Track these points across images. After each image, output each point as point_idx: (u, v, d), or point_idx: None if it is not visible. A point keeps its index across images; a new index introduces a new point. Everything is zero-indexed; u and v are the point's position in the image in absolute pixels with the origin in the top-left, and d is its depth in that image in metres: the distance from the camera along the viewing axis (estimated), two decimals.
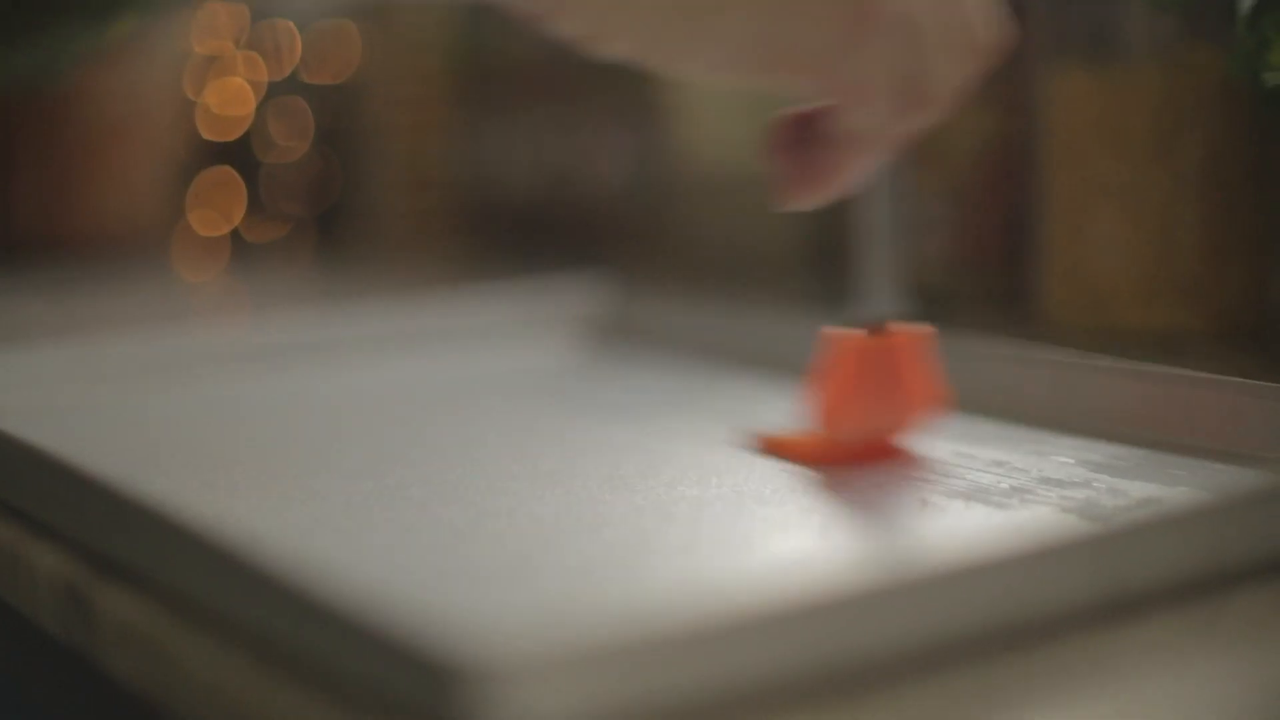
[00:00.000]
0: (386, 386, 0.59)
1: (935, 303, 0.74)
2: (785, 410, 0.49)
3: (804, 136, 0.43)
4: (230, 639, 0.33)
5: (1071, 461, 0.45)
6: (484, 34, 1.09)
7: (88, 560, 0.39)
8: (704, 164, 0.96)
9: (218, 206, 1.22)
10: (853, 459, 0.45)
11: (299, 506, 0.43)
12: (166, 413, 0.55)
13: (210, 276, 1.12)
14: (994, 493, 0.42)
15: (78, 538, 0.40)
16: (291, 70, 1.20)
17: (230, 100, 1.21)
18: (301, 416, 0.55)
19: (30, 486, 0.43)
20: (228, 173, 1.22)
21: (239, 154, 1.21)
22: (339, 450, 0.50)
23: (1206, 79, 0.63)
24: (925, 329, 0.47)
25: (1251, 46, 0.58)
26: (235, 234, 1.22)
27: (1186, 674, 0.31)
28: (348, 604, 0.30)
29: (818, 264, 0.92)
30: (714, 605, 0.29)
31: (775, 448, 0.47)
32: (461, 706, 0.27)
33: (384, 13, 1.16)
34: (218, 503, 0.43)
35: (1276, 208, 0.64)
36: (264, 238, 1.22)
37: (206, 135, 1.20)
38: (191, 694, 0.33)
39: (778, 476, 0.44)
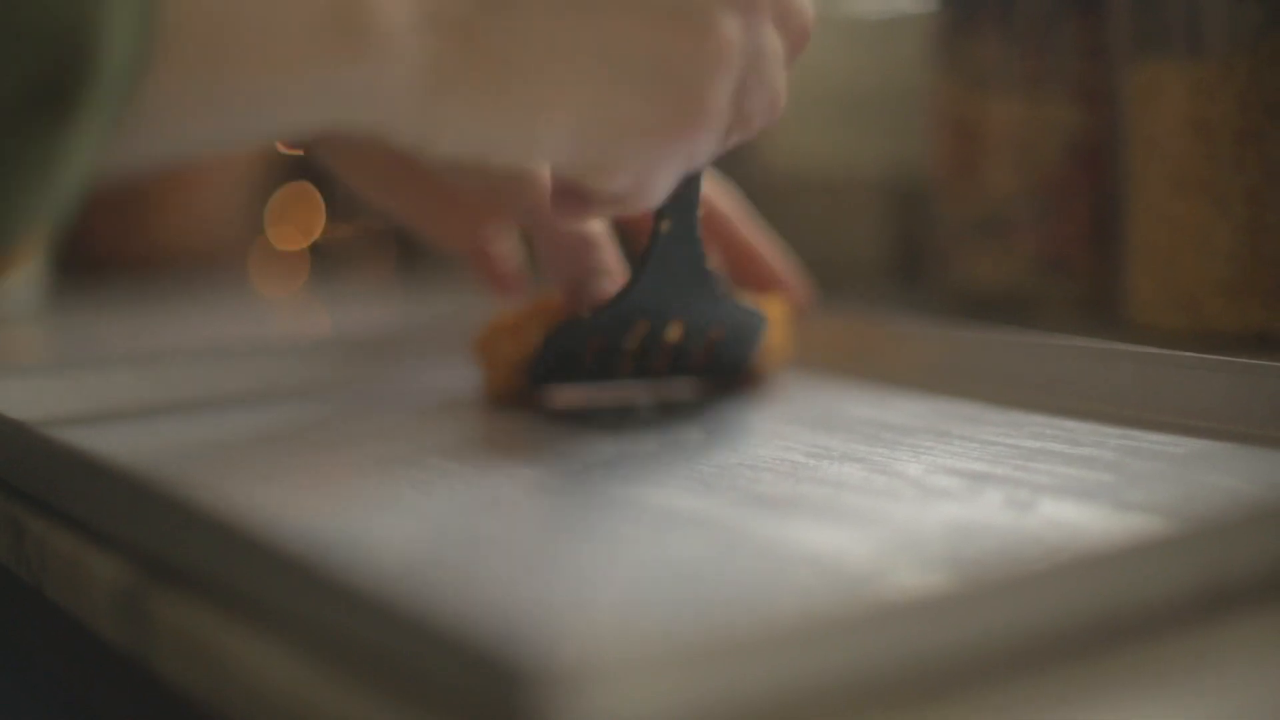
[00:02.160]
0: (456, 392, 0.59)
1: (1023, 302, 0.74)
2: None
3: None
4: (289, 645, 0.33)
5: (1159, 456, 0.44)
6: None
7: (145, 567, 0.39)
8: (783, 173, 0.95)
9: (296, 221, 1.23)
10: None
11: (364, 511, 0.43)
12: (233, 421, 0.54)
13: (289, 291, 1.12)
14: (1082, 488, 0.41)
15: (135, 544, 0.40)
16: None
17: None
18: (367, 421, 0.55)
19: (88, 494, 0.43)
20: (305, 187, 1.22)
21: (317, 164, 1.22)
22: (405, 455, 0.49)
23: None
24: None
25: None
26: (315, 246, 1.23)
27: (1276, 669, 0.30)
28: (414, 606, 0.29)
29: (894, 269, 0.91)
30: (791, 607, 0.28)
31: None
32: (531, 710, 0.26)
33: None
34: (278, 507, 0.43)
35: None
36: (344, 247, 1.23)
37: (283, 146, 1.20)
38: (249, 701, 0.33)
39: (859, 475, 0.43)
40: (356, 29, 0.36)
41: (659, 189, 0.44)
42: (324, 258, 1.22)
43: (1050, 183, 0.74)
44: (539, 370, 0.53)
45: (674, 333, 0.52)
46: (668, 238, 0.50)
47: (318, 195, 1.23)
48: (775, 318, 0.57)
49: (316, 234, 1.23)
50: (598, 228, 0.55)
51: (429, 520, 0.42)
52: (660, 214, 0.50)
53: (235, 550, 0.35)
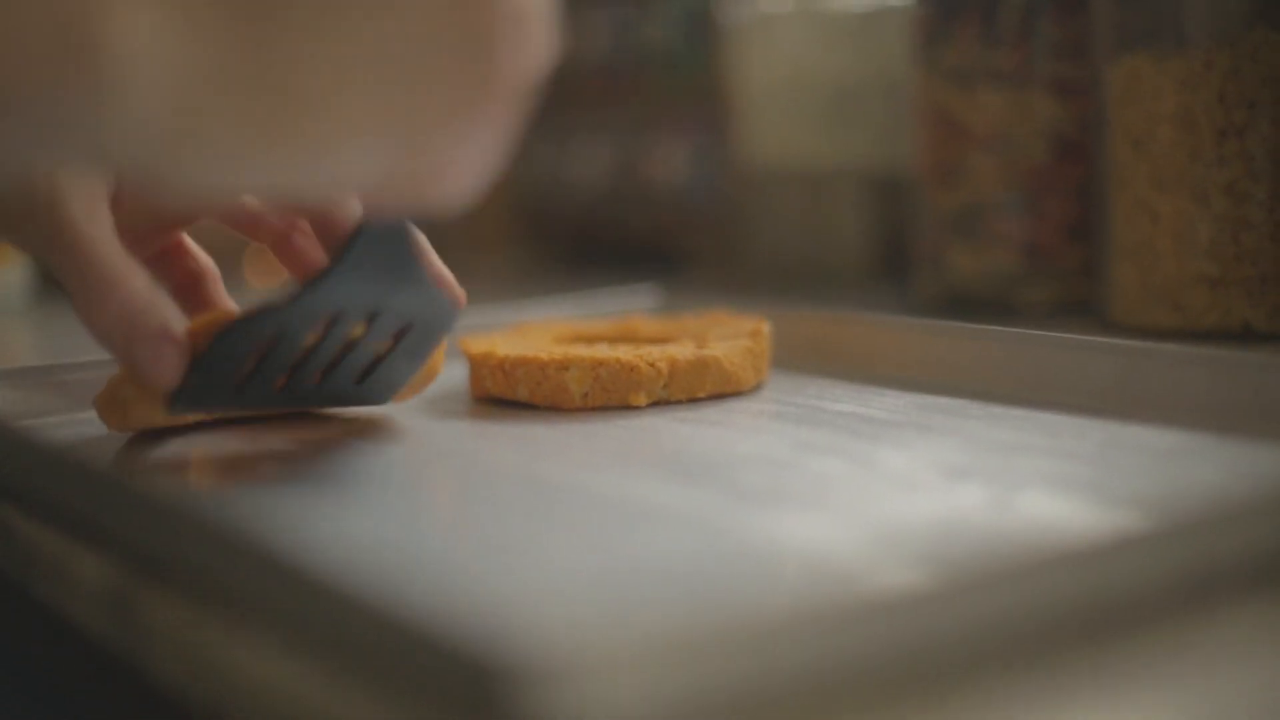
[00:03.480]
0: (439, 390, 0.59)
1: (1005, 296, 0.74)
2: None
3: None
4: (276, 643, 0.33)
5: (1140, 449, 0.44)
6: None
7: (132, 566, 0.39)
8: (765, 168, 0.95)
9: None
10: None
11: (348, 510, 0.43)
12: (218, 421, 0.54)
13: (274, 281, 1.12)
14: (1063, 482, 0.41)
15: (122, 543, 0.40)
16: None
17: None
18: (351, 421, 0.55)
19: (75, 493, 0.43)
20: None
21: None
22: (390, 456, 0.49)
23: (1273, 63, 0.62)
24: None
25: None
26: None
27: (1262, 663, 0.30)
28: (397, 605, 0.29)
29: (877, 264, 0.91)
30: (773, 603, 0.28)
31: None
32: (513, 706, 0.26)
33: None
34: (263, 507, 0.43)
35: None
36: None
37: None
38: (236, 698, 0.33)
39: (844, 466, 0.43)
40: (83, 48, 0.31)
41: (488, 166, 0.38)
42: None
43: (1032, 177, 0.74)
44: (184, 391, 0.45)
45: (356, 331, 0.48)
46: (366, 233, 0.45)
47: None
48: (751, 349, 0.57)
49: None
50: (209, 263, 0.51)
51: (413, 519, 0.42)
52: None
53: (222, 549, 0.35)
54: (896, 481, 0.43)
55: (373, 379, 0.51)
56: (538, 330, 0.62)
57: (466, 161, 0.37)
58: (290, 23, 0.33)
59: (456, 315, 0.50)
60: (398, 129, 0.35)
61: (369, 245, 0.45)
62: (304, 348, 0.47)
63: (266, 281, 1.14)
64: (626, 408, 0.54)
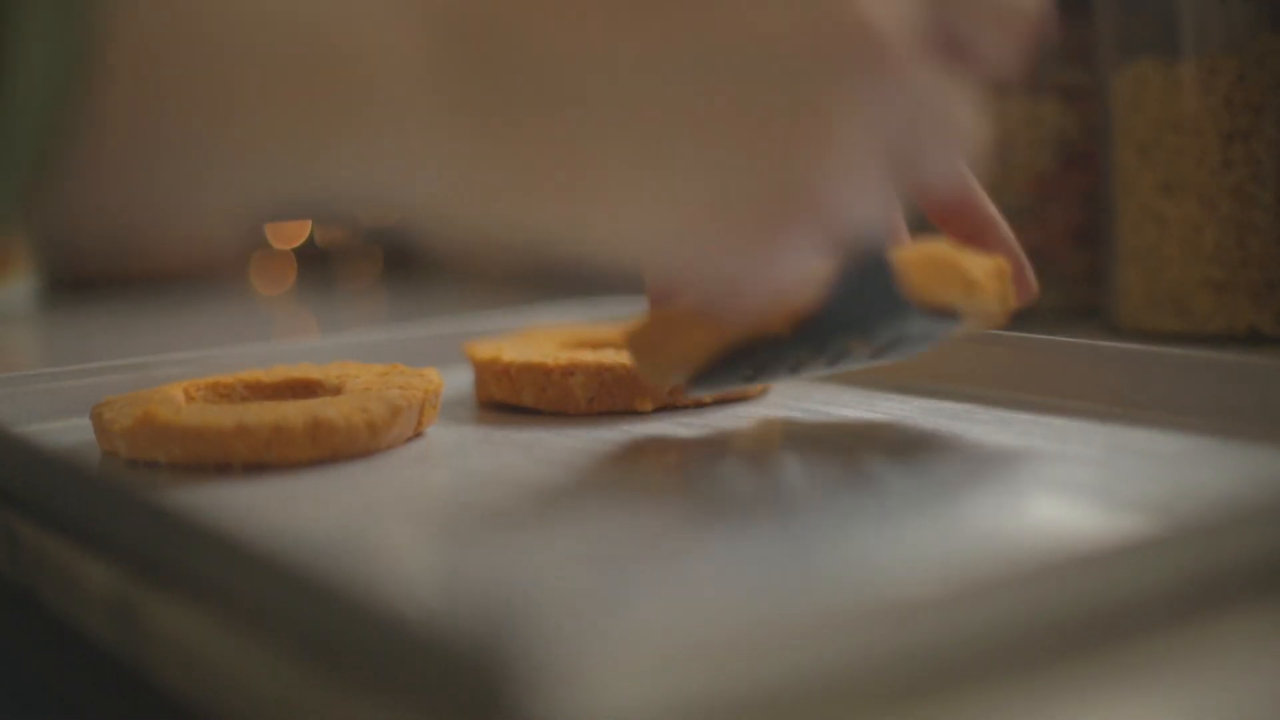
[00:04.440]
0: (449, 396, 0.59)
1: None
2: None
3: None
4: (281, 648, 0.33)
5: (1147, 453, 0.44)
6: None
7: (138, 572, 0.39)
8: None
9: (287, 230, 1.23)
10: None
11: (352, 515, 0.43)
12: None
13: (281, 290, 1.12)
14: (1070, 486, 0.41)
15: (126, 549, 0.40)
16: None
17: None
18: None
19: (79, 499, 0.43)
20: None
21: None
22: (391, 459, 0.49)
23: (1278, 69, 0.62)
24: None
25: None
26: (304, 250, 1.23)
27: (1270, 668, 0.30)
28: (401, 609, 0.29)
29: None
30: (776, 608, 0.28)
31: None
32: (518, 711, 0.26)
33: None
34: (268, 512, 0.43)
35: None
36: (335, 250, 1.23)
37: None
38: (241, 704, 0.33)
39: (842, 475, 0.43)
40: (348, 99, 0.32)
41: (778, 283, 0.36)
42: (313, 266, 1.22)
43: (1039, 183, 0.74)
44: (706, 376, 0.47)
45: (855, 349, 0.45)
46: (855, 268, 0.43)
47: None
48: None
49: (303, 238, 1.23)
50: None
51: (417, 524, 0.42)
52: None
53: (227, 555, 0.35)
54: (903, 487, 0.42)
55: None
56: (543, 335, 0.62)
57: (757, 270, 0.35)
58: (568, 74, 0.33)
59: (950, 327, 0.46)
60: (663, 215, 0.34)
61: (857, 279, 0.43)
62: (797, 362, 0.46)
63: (273, 290, 1.14)
64: (632, 413, 0.54)
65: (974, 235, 0.48)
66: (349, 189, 0.34)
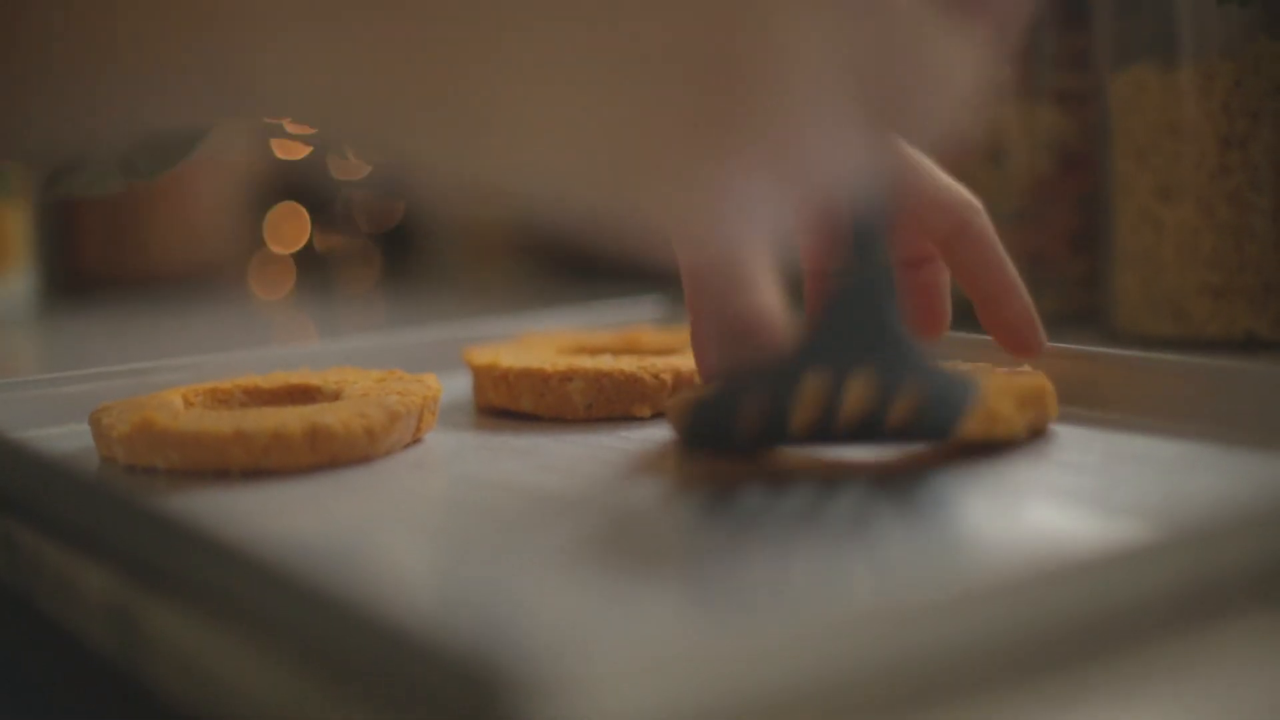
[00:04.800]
0: (444, 400, 0.59)
1: None
2: None
3: None
4: (279, 656, 0.33)
5: (1144, 459, 0.44)
6: None
7: (136, 579, 0.39)
8: None
9: (287, 239, 1.23)
10: None
11: (350, 522, 0.43)
12: None
13: (280, 295, 1.12)
14: (1067, 493, 0.41)
15: (125, 555, 0.40)
16: None
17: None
18: None
19: (77, 506, 0.43)
20: (295, 207, 1.23)
21: (314, 172, 1.22)
22: (389, 466, 0.49)
23: (1276, 74, 0.62)
24: None
25: None
26: (303, 258, 1.23)
27: (1268, 674, 0.30)
28: (400, 617, 0.29)
29: None
30: (776, 615, 0.28)
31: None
32: (512, 718, 0.26)
33: None
34: (266, 519, 0.43)
35: None
36: (334, 254, 1.23)
37: (280, 154, 1.20)
38: (238, 712, 0.33)
39: (859, 483, 0.43)
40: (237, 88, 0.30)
41: (739, 220, 0.31)
42: (312, 270, 1.22)
43: (1036, 187, 0.74)
44: (692, 435, 0.46)
45: (854, 395, 0.43)
46: (843, 293, 0.42)
47: (307, 215, 1.23)
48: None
49: (303, 242, 1.23)
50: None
51: (416, 531, 0.42)
52: (836, 266, 0.43)
53: (225, 561, 0.35)
54: (900, 494, 0.42)
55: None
56: (541, 342, 0.62)
57: (693, 206, 0.30)
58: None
59: (971, 394, 0.44)
60: (599, 131, 0.29)
61: (839, 312, 0.43)
62: (794, 413, 0.44)
63: (272, 294, 1.14)
64: (630, 419, 0.54)
65: (992, 298, 0.50)
66: (238, 99, 0.32)
